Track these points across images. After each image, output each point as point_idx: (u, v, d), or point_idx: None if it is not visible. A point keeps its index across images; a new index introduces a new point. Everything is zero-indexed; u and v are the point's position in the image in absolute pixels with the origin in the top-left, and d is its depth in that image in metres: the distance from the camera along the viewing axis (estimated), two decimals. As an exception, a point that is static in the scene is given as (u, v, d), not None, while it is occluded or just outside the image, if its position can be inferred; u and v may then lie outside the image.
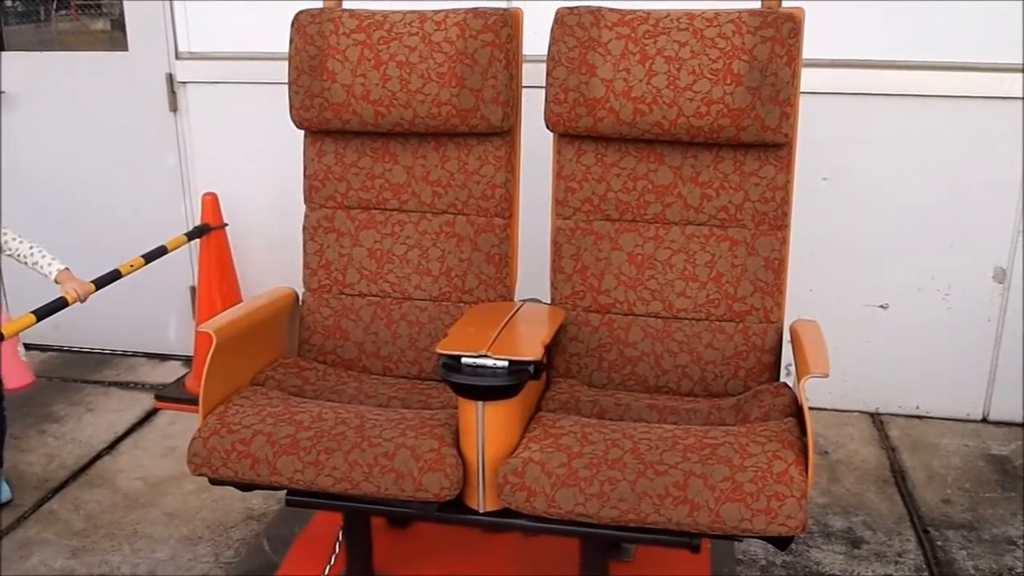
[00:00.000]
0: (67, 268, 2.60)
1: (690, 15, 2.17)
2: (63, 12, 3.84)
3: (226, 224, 3.37)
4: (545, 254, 2.35)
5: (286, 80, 2.35)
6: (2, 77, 3.58)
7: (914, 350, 3.21)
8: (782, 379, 2.23)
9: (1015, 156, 2.98)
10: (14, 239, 2.59)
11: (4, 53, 3.57)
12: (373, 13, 2.34)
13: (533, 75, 2.35)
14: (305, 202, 2.45)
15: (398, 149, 2.39)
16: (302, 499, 2.01)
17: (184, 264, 3.62)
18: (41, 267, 2.58)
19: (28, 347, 3.78)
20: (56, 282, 2.58)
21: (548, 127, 2.27)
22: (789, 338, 2.13)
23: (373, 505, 1.95)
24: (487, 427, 1.87)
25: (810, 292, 3.16)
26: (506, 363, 1.86)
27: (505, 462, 1.85)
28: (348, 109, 2.31)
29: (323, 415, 1.97)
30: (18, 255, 2.58)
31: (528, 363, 1.87)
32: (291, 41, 2.34)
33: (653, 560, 2.37)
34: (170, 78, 3.46)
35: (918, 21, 2.94)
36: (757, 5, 2.19)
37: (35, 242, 2.61)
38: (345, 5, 2.42)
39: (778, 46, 2.10)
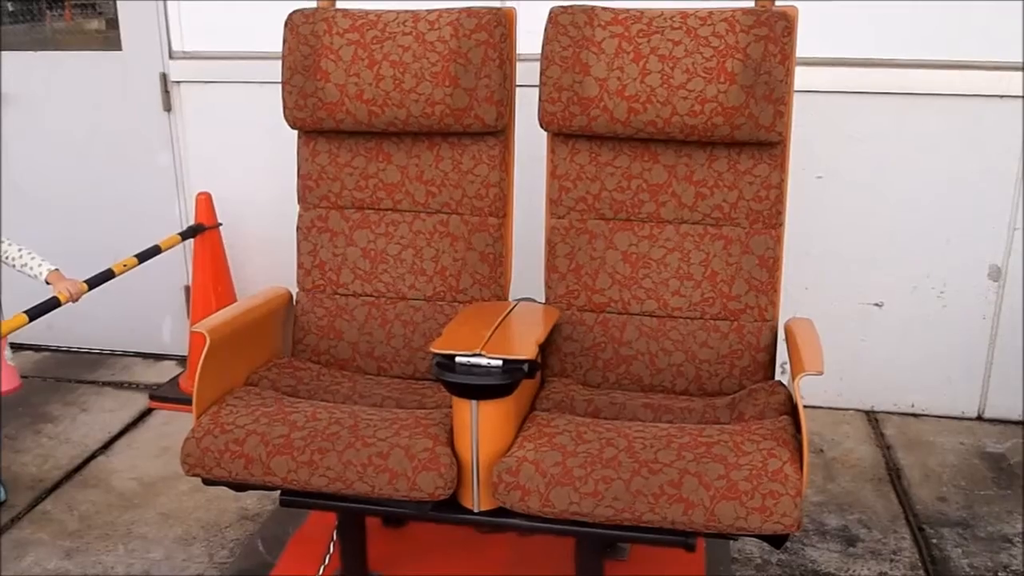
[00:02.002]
0: (57, 269, 2.59)
1: (683, 14, 2.17)
2: (57, 12, 3.83)
3: (220, 224, 3.36)
4: (539, 253, 2.35)
5: (280, 80, 2.35)
6: (1, 79, 3.58)
7: (909, 348, 3.21)
8: (777, 377, 2.23)
9: (1011, 153, 2.98)
10: (6, 242, 2.57)
11: (2, 53, 3.56)
12: (366, 13, 2.33)
13: (527, 74, 2.35)
14: (299, 202, 2.45)
15: (392, 149, 2.39)
16: (296, 499, 2.00)
17: (178, 264, 3.61)
18: (31, 268, 2.57)
19: (22, 347, 3.79)
20: (47, 283, 2.57)
21: (542, 126, 2.26)
22: (784, 336, 2.13)
23: (367, 505, 1.95)
24: (481, 426, 1.86)
25: (805, 290, 3.16)
26: (500, 362, 1.85)
27: (499, 461, 1.84)
28: (342, 109, 2.31)
29: (317, 415, 1.97)
30: (7, 258, 2.57)
31: (522, 362, 1.87)
32: (284, 41, 2.34)
33: (648, 559, 2.37)
34: (164, 78, 3.45)
35: (914, 19, 2.93)
36: (751, 4, 2.19)
37: (25, 244, 2.59)
38: (339, 5, 2.42)
39: (772, 44, 2.10)
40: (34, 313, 2.48)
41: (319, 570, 2.26)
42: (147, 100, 3.48)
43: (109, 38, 3.57)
